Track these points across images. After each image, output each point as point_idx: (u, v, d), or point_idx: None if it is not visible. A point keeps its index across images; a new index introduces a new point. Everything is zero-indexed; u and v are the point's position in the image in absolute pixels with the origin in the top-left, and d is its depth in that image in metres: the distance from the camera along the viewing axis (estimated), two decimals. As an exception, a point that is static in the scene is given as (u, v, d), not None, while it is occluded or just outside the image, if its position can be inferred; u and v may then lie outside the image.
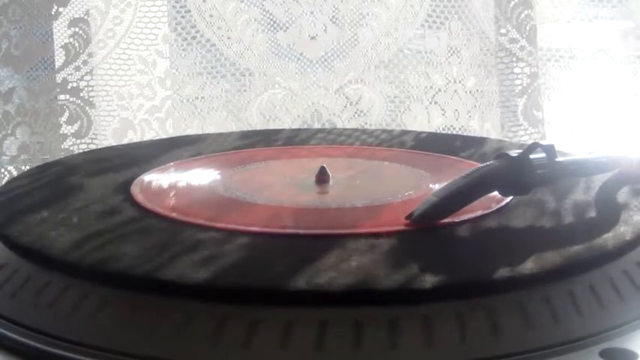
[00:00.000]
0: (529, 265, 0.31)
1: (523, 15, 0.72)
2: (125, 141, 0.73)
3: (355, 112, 0.77)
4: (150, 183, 0.43)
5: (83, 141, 0.73)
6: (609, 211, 0.38)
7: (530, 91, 0.73)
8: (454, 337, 0.28)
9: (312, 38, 0.75)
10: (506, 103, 0.74)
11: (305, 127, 0.75)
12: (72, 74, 0.71)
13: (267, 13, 0.74)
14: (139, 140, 0.72)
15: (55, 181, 0.44)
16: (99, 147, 0.71)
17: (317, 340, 0.28)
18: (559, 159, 0.37)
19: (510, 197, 0.39)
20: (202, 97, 0.75)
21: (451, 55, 0.76)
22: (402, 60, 0.77)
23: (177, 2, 0.73)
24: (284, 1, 0.74)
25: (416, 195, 0.40)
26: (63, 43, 0.71)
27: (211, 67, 0.75)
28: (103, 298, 0.30)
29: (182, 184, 0.45)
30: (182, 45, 0.73)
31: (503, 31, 0.73)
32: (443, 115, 0.77)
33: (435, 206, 0.35)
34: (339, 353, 0.27)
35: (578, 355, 0.28)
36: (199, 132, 0.73)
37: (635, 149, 0.41)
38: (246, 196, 0.41)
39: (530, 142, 0.38)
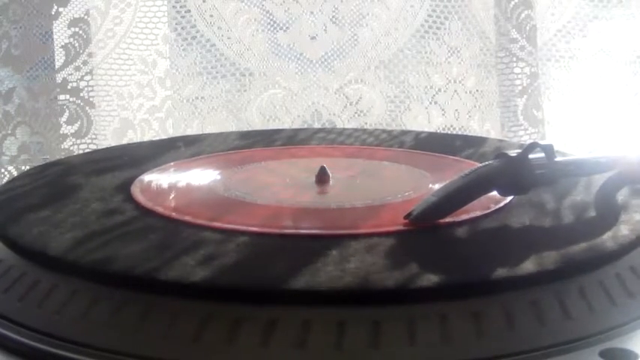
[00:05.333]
0: (529, 265, 0.31)
1: (523, 15, 0.72)
2: (125, 141, 0.73)
3: (355, 112, 0.77)
4: (150, 183, 0.43)
5: (83, 141, 0.73)
6: (609, 211, 0.38)
7: (530, 91, 0.73)
8: (446, 339, 0.28)
9: (312, 38, 0.75)
10: (506, 103, 0.74)
11: (305, 127, 0.75)
12: (72, 74, 0.71)
13: (267, 13, 0.74)
14: (139, 140, 0.72)
15: (55, 181, 0.44)
16: (99, 147, 0.71)
17: (302, 339, 0.28)
18: (558, 159, 0.37)
19: (509, 197, 0.39)
20: (202, 97, 0.75)
21: (451, 55, 0.76)
22: (402, 60, 0.77)
23: (177, 2, 0.73)
24: (284, 1, 0.74)
25: (415, 195, 0.40)
26: (63, 43, 0.71)
27: (211, 67, 0.75)
28: (99, 298, 0.30)
29: (182, 184, 0.45)
30: (182, 45, 0.74)
31: (503, 31, 0.73)
32: (443, 115, 0.77)
33: (433, 206, 0.35)
34: (322, 352, 0.27)
35: (578, 355, 0.28)
36: (199, 132, 0.73)
37: (635, 149, 0.41)
38: (246, 196, 0.41)
39: (529, 142, 0.38)
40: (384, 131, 0.59)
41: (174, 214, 0.37)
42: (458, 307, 0.29)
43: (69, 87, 0.71)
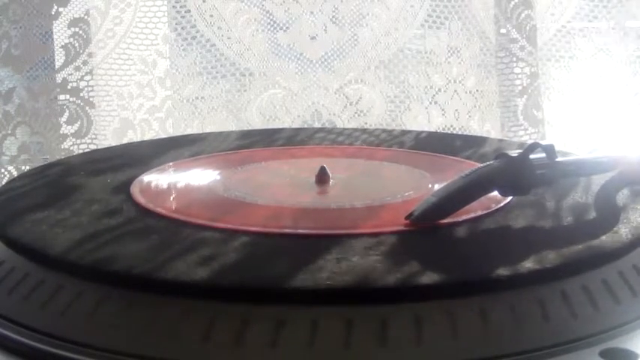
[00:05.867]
0: (529, 265, 0.31)
1: (523, 15, 0.72)
2: (125, 141, 0.73)
3: (355, 112, 0.77)
4: (150, 183, 0.43)
5: (83, 141, 0.73)
6: (609, 212, 0.38)
7: (530, 91, 0.73)
8: (450, 337, 0.28)
9: (312, 38, 0.75)
10: (506, 103, 0.74)
11: (305, 127, 0.75)
12: (72, 74, 0.71)
13: (267, 13, 0.74)
14: (139, 140, 0.72)
15: (55, 181, 0.44)
16: (99, 147, 0.71)
17: (310, 339, 0.28)
18: (559, 159, 0.37)
19: (510, 197, 0.39)
20: (202, 97, 0.75)
21: (451, 55, 0.76)
22: (402, 60, 0.77)
23: (177, 2, 0.73)
24: (284, 1, 0.74)
25: (416, 195, 0.40)
26: (63, 43, 0.71)
27: (211, 67, 0.75)
28: (102, 298, 0.30)
29: (182, 184, 0.45)
30: (182, 45, 0.73)
31: (503, 31, 0.73)
32: (443, 115, 0.77)
33: (434, 206, 0.35)
34: (331, 352, 0.27)
35: (578, 355, 0.28)
36: (199, 132, 0.73)
37: (635, 149, 0.41)
38: (246, 196, 0.41)
39: (530, 142, 0.38)
40: (384, 131, 0.59)
41: (174, 215, 0.37)
42: (459, 306, 0.29)
43: (69, 87, 0.71)
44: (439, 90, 0.76)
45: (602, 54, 0.75)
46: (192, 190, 0.43)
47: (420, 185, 0.43)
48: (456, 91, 0.76)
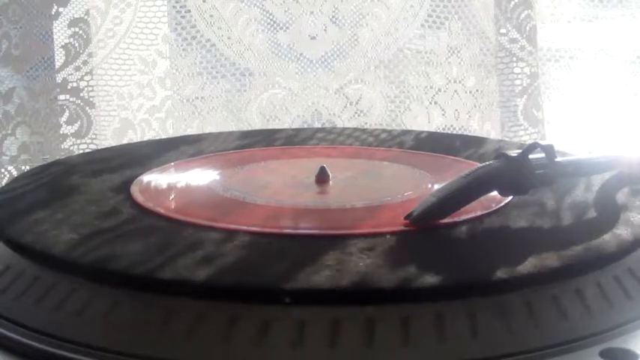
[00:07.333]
0: (528, 265, 0.31)
1: (523, 15, 0.72)
2: (125, 141, 0.73)
3: (355, 112, 0.77)
4: (150, 183, 0.43)
5: (83, 141, 0.73)
6: (609, 212, 0.38)
7: (530, 91, 0.73)
8: (456, 336, 0.28)
9: (312, 38, 0.75)
10: (506, 103, 0.74)
11: (305, 127, 0.75)
12: (72, 74, 0.71)
13: (267, 13, 0.74)
14: (139, 140, 0.72)
15: (55, 181, 0.44)
16: (99, 147, 0.71)
17: (326, 339, 0.28)
18: (558, 159, 0.37)
19: (510, 197, 0.39)
20: (202, 97, 0.75)
21: (451, 55, 0.76)
22: (402, 60, 0.77)
23: (177, 2, 0.73)
24: (284, 1, 0.74)
25: (416, 195, 0.40)
26: (63, 43, 0.71)
27: (211, 67, 0.75)
28: (102, 298, 0.30)
29: (182, 184, 0.45)
30: (182, 45, 0.74)
31: (503, 31, 0.73)
32: (443, 115, 0.77)
33: (433, 206, 0.35)
34: (348, 352, 0.28)
35: (578, 355, 0.28)
36: (199, 132, 0.73)
37: (635, 149, 0.41)
38: (246, 196, 0.41)
39: (529, 142, 0.38)
40: (384, 131, 0.59)
41: (174, 214, 0.37)
42: (454, 307, 0.29)
43: (69, 87, 0.71)
44: (439, 90, 0.76)
45: (602, 54, 0.75)
46: (193, 190, 0.44)
47: (419, 185, 0.43)
48: (456, 91, 0.76)
